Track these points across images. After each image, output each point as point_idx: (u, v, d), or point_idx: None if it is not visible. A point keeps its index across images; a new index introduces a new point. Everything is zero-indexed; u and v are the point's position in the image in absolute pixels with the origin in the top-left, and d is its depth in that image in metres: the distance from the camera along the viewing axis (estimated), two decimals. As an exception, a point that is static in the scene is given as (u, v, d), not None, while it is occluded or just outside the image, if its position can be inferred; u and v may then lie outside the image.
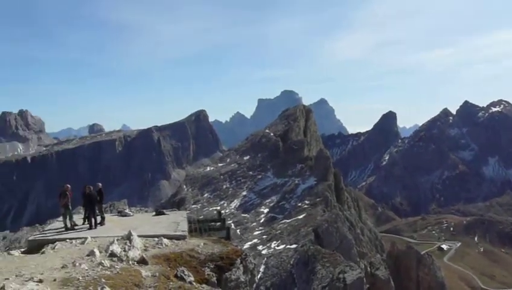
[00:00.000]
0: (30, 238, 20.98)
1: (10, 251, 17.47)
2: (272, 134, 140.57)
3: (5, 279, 11.63)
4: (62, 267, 13.05)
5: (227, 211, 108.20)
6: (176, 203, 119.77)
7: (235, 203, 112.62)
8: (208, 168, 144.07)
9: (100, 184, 22.60)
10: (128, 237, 15.98)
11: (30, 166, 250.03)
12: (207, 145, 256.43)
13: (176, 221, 21.35)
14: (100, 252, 14.86)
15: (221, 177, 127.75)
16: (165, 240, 17.01)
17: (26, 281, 11.41)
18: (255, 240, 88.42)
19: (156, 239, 17.11)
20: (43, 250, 16.43)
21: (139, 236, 16.66)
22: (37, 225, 53.12)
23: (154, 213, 25.75)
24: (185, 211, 29.24)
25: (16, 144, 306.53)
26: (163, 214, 24.49)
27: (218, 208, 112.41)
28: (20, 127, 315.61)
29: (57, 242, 17.23)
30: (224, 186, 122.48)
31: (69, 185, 21.66)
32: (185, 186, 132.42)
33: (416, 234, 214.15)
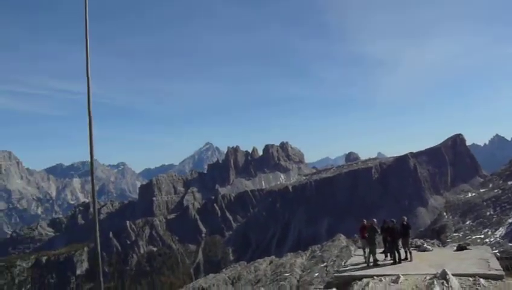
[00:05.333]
0: (336, 274, 20.93)
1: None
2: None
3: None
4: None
5: (491, 239, 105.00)
6: (436, 231, 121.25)
7: (501, 231, 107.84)
8: (469, 194, 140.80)
9: (405, 217, 21.36)
10: (444, 277, 14.89)
11: (291, 195, 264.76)
12: (465, 170, 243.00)
13: (484, 257, 19.28)
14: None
15: (484, 203, 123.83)
16: (482, 281, 15.26)
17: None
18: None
19: (471, 279, 15.44)
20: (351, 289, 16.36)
21: (453, 275, 15.25)
22: (299, 251, 60.33)
23: (455, 248, 23.93)
24: (488, 247, 26.36)
25: (278, 174, 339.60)
26: (466, 249, 22.74)
27: (482, 236, 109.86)
28: (282, 158, 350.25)
29: (364, 279, 16.86)
30: (488, 213, 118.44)
31: (374, 220, 21.23)
32: (445, 214, 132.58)
33: None
